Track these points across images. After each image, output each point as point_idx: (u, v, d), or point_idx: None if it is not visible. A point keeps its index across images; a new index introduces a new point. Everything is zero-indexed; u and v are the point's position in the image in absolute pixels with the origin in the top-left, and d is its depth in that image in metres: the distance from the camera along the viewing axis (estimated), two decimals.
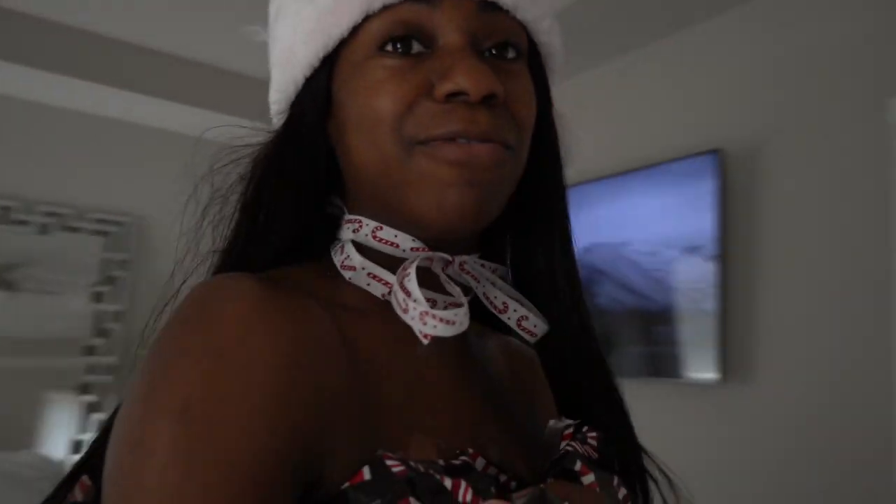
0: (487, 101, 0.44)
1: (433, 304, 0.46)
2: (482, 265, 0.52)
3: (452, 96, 0.44)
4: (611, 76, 2.76)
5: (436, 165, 0.44)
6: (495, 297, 0.52)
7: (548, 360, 0.57)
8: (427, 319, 0.43)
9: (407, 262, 0.47)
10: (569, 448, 0.48)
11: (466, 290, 0.52)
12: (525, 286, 0.55)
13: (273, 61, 0.53)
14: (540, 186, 0.54)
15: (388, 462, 0.38)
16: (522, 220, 0.55)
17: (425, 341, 0.43)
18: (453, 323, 0.43)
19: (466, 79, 0.43)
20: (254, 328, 0.39)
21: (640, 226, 2.58)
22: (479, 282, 0.51)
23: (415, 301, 0.44)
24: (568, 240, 0.55)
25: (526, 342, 0.54)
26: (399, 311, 0.45)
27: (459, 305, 0.47)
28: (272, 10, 0.54)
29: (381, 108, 0.45)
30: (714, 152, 2.25)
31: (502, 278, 0.53)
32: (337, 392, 0.41)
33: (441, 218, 0.45)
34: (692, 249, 2.31)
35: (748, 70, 2.23)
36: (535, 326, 0.52)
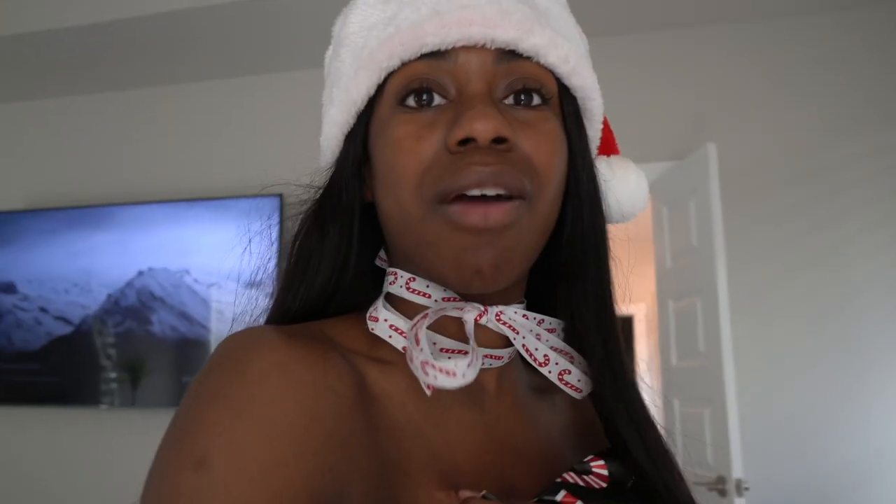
0: (498, 144, 0.44)
1: (465, 356, 0.45)
2: (524, 315, 0.50)
3: (463, 143, 0.43)
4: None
5: (452, 231, 0.44)
6: (536, 350, 0.49)
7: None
8: (427, 369, 0.42)
9: (428, 311, 0.46)
10: (557, 480, 0.46)
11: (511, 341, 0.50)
12: (575, 337, 0.51)
13: (322, 119, 0.54)
14: (576, 229, 0.51)
15: None
16: (564, 262, 0.52)
17: (428, 392, 0.43)
18: (454, 374, 0.42)
19: (475, 124, 0.42)
20: (274, 382, 0.39)
21: (203, 255, 2.63)
22: (518, 333, 0.49)
23: (420, 350, 0.43)
24: (604, 283, 0.51)
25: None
26: (408, 360, 0.44)
27: (498, 358, 0.49)
28: (324, 75, 0.56)
29: (401, 167, 0.45)
30: (278, 196, 2.41)
31: (550, 329, 0.51)
32: (355, 447, 0.41)
33: (459, 279, 0.45)
34: (254, 284, 2.39)
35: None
36: (578, 381, 0.49)
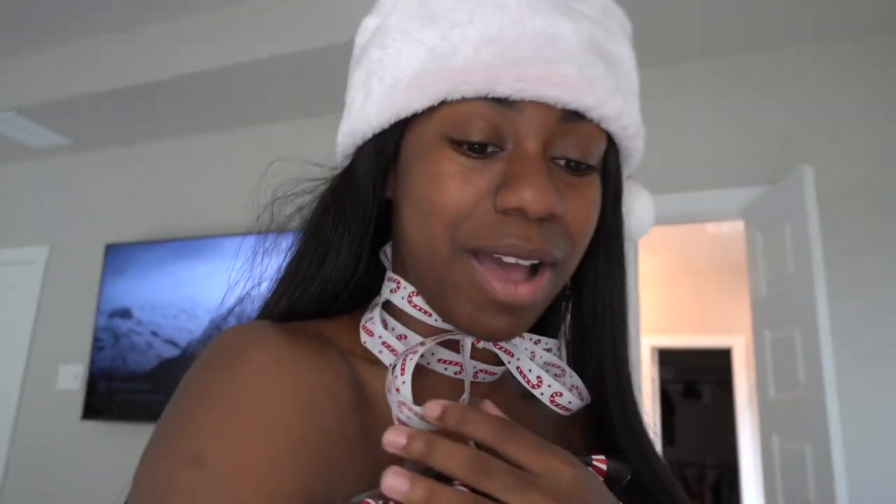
0: (545, 219, 0.43)
1: (459, 367, 0.47)
2: (521, 336, 0.50)
3: (512, 209, 0.42)
4: None
5: (478, 288, 0.43)
6: (529, 371, 0.49)
7: (591, 425, 0.55)
8: (403, 409, 0.41)
9: (424, 342, 0.46)
10: None
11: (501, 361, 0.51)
12: (578, 358, 0.54)
13: (348, 102, 0.52)
14: (598, 285, 0.52)
15: None
16: (580, 303, 0.54)
17: (396, 422, 0.42)
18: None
19: (528, 195, 0.41)
20: (271, 379, 0.38)
21: None
22: (513, 356, 0.49)
23: (403, 383, 0.42)
24: (621, 338, 0.53)
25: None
26: (386, 389, 0.43)
27: (492, 374, 0.50)
28: (356, 51, 0.53)
29: (440, 205, 0.43)
30: None
31: (547, 348, 0.51)
32: (350, 445, 0.40)
33: (472, 330, 0.45)
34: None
35: None
36: (569, 403, 0.49)
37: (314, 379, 0.41)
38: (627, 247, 0.54)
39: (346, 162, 0.52)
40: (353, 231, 0.50)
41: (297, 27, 2.68)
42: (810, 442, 2.07)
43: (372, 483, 0.40)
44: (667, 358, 6.24)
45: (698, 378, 6.96)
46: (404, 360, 0.44)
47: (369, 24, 0.52)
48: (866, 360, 2.22)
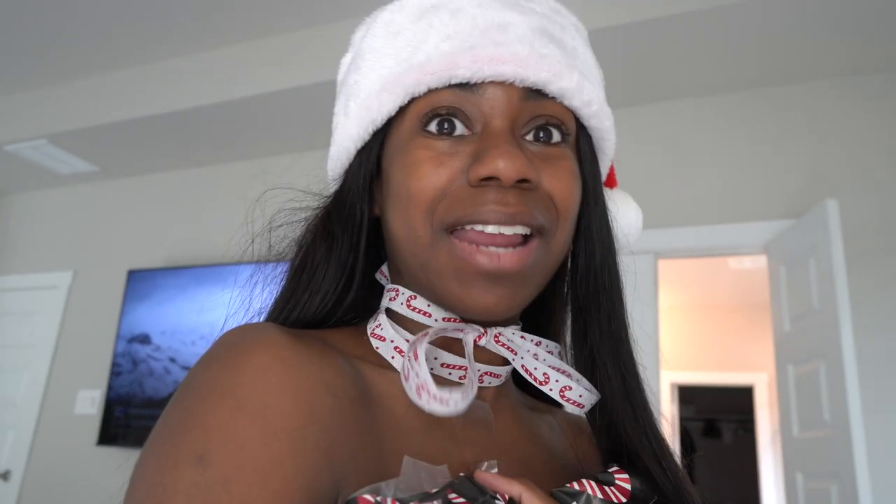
0: (520, 184, 0.44)
1: (459, 388, 0.44)
2: (522, 337, 0.51)
3: (485, 180, 0.44)
4: None
5: (462, 263, 0.45)
6: (535, 369, 0.49)
7: (600, 425, 0.53)
8: (422, 393, 0.42)
9: (430, 329, 0.47)
10: (572, 487, 0.45)
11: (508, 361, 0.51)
12: (583, 358, 0.53)
13: (333, 130, 0.54)
14: (590, 266, 0.53)
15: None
16: (577, 297, 0.54)
17: (421, 398, 0.42)
18: (446, 403, 0.41)
19: (499, 163, 0.43)
20: (273, 376, 0.38)
21: None
22: (516, 354, 0.49)
23: (420, 365, 0.42)
24: (618, 317, 0.53)
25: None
26: (403, 379, 0.44)
27: (497, 376, 0.51)
28: (337, 88, 0.56)
29: (416, 190, 0.45)
30: None
31: (549, 351, 0.52)
32: (353, 444, 0.40)
33: (466, 310, 0.46)
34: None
35: None
36: (580, 397, 0.49)
37: (316, 376, 0.41)
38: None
39: (336, 185, 0.55)
40: (340, 244, 0.51)
41: (318, 58, 2.73)
42: (836, 482, 2.01)
43: (378, 480, 0.40)
44: (687, 395, 6.13)
45: (719, 416, 6.82)
46: (415, 349, 0.44)
47: (346, 59, 0.57)
48: (893, 396, 2.17)
